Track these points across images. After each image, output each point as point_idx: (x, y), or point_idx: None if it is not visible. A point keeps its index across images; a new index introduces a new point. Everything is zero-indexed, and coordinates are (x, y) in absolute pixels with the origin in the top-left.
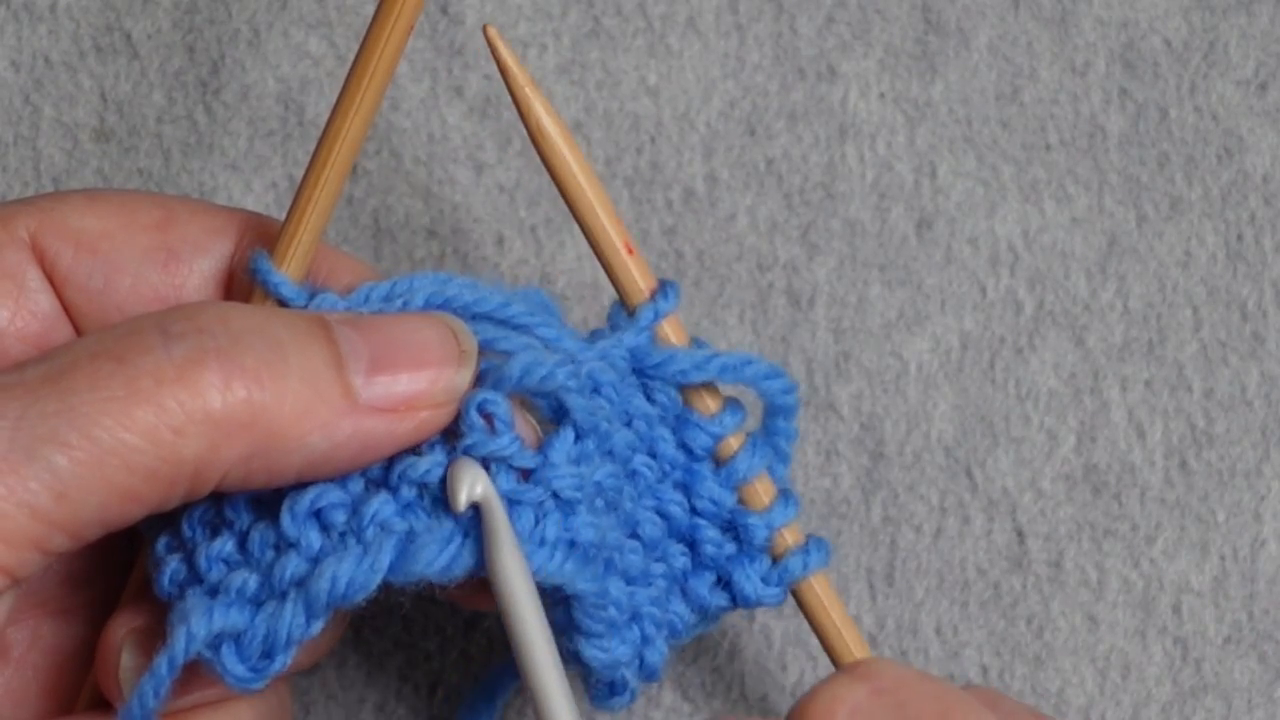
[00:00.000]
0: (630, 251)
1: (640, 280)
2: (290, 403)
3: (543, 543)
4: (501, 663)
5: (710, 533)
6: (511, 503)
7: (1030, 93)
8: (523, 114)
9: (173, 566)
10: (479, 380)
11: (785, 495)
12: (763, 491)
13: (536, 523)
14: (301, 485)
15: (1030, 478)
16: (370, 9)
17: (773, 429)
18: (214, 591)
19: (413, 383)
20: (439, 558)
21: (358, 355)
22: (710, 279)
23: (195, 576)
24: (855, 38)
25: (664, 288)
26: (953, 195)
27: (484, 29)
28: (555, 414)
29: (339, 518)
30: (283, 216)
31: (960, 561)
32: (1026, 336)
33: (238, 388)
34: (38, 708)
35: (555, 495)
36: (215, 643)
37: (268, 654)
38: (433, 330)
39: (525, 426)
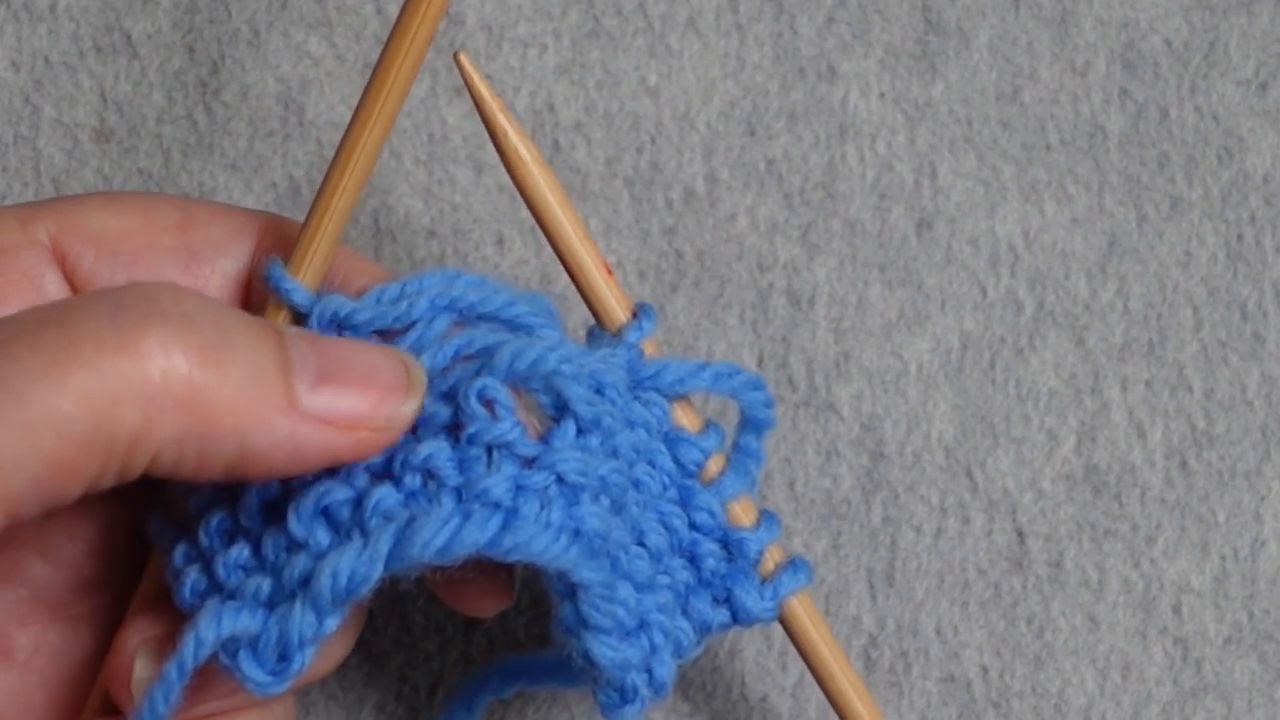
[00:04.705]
0: (609, 274)
1: (619, 302)
2: (231, 390)
3: (548, 526)
4: (479, 671)
5: (710, 546)
6: (517, 488)
7: (1030, 93)
8: (497, 141)
9: (193, 577)
10: (475, 373)
11: (767, 515)
12: (743, 511)
13: (542, 508)
14: (307, 485)
15: (1030, 478)
16: (370, 9)
17: (745, 449)
18: (232, 599)
19: (357, 401)
20: (437, 537)
21: (305, 364)
22: (710, 279)
23: (215, 585)
24: (855, 38)
25: (643, 310)
26: (953, 195)
27: (455, 56)
28: (557, 410)
29: (345, 514)
30: (283, 216)
31: (960, 562)
32: (1027, 336)
33: (179, 362)
34: (42, 714)
35: (560, 480)
36: (232, 649)
37: (284, 656)
38: (383, 357)
39: (528, 423)
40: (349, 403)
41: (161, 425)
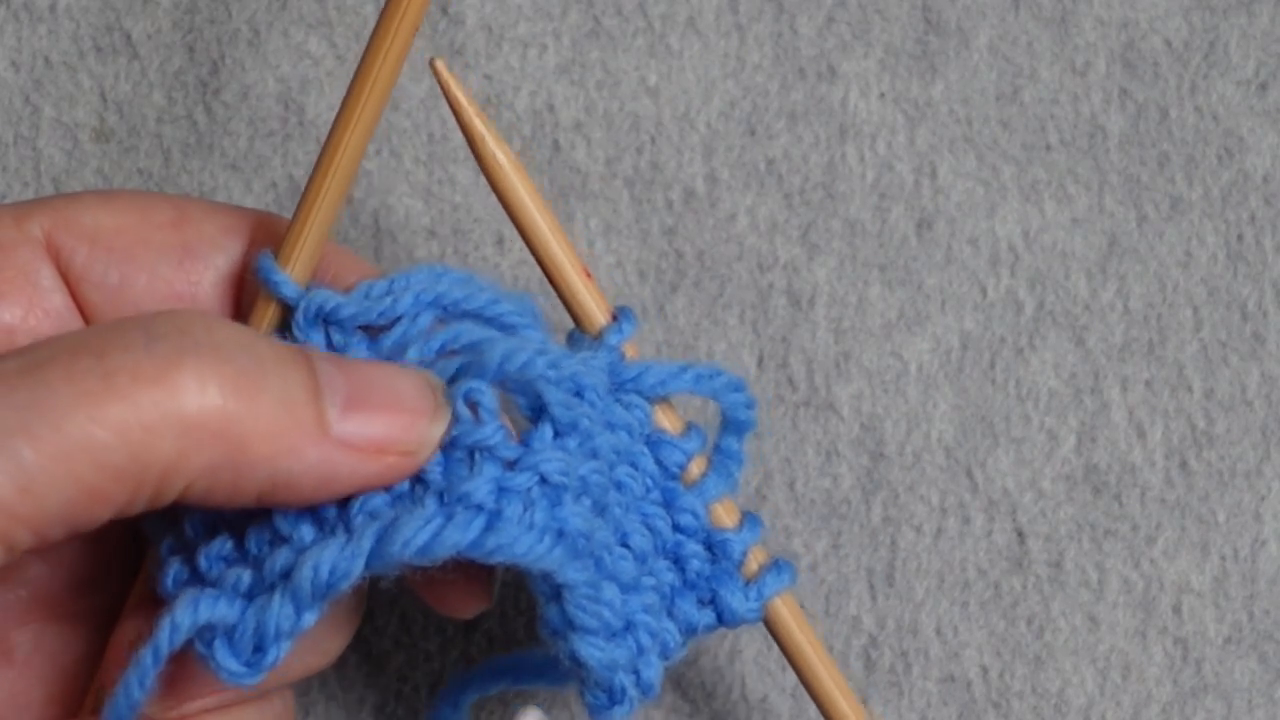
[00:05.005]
0: (588, 277)
1: (598, 305)
2: (264, 419)
3: (531, 527)
4: (465, 670)
5: (694, 548)
6: (500, 490)
7: (1030, 93)
8: (474, 146)
9: (175, 568)
10: (460, 373)
11: (750, 516)
12: (726, 513)
13: (525, 509)
14: None
15: (1030, 478)
16: (370, 9)
17: (726, 450)
18: (212, 588)
19: (386, 426)
20: (417, 537)
21: (335, 390)
22: (710, 279)
23: (196, 576)
24: (855, 38)
25: (623, 313)
26: (953, 195)
27: (430, 62)
28: (534, 413)
29: (331, 511)
30: (279, 215)
31: (960, 562)
32: (1026, 336)
33: (214, 394)
34: (40, 713)
35: (543, 480)
36: (208, 637)
37: (260, 647)
38: (410, 380)
39: (508, 426)
40: (377, 429)
41: (196, 456)
